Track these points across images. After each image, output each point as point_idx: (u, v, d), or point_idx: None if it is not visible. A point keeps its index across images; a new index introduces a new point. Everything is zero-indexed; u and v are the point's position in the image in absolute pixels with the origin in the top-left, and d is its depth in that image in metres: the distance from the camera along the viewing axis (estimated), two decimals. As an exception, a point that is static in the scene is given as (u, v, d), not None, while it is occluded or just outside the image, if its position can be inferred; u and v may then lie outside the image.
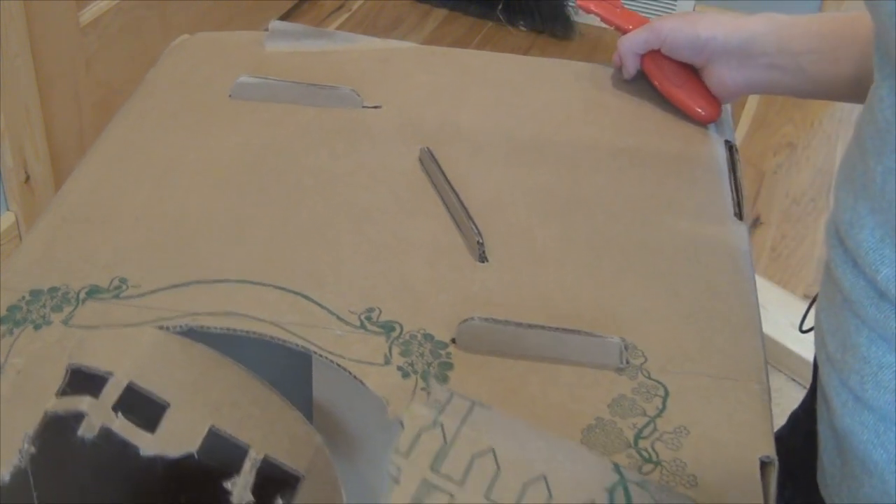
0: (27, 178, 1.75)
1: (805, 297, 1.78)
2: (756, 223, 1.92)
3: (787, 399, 1.66)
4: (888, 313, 0.56)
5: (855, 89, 0.79)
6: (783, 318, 1.72)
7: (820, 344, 0.65)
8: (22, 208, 1.75)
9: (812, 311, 0.77)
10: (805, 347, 1.65)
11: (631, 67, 0.92)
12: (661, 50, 0.89)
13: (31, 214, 1.77)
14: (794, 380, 1.70)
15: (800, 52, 0.82)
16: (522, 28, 2.23)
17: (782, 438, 0.92)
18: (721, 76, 0.87)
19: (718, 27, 0.86)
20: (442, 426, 0.58)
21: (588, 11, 0.96)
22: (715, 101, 0.89)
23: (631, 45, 0.91)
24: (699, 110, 0.89)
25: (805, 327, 0.86)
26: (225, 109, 0.89)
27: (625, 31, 0.93)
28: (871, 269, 0.57)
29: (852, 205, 0.58)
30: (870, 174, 0.56)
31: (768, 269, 1.85)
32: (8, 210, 1.75)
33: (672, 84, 0.90)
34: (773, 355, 1.71)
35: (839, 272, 0.60)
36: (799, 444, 0.82)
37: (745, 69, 0.86)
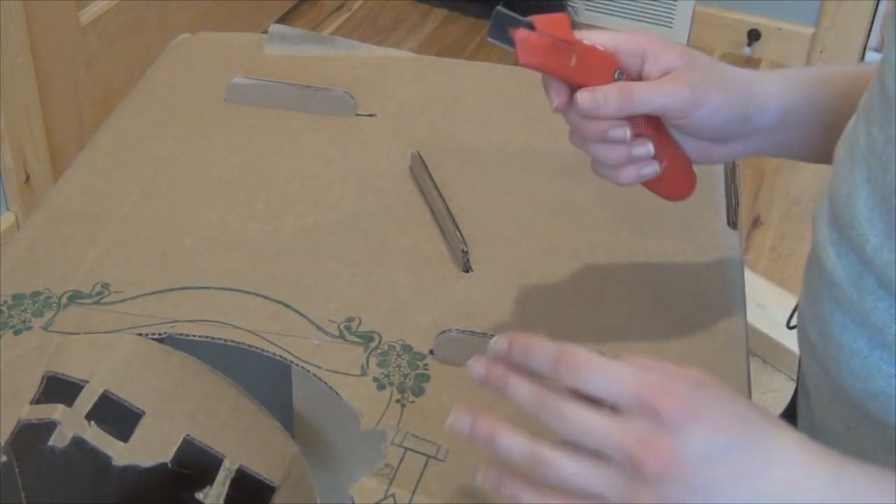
0: (27, 178, 1.75)
1: (805, 297, 1.77)
2: (756, 223, 1.92)
3: (787, 399, 1.65)
4: (865, 294, 0.56)
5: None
6: (783, 318, 1.71)
7: (803, 335, 0.65)
8: (22, 208, 1.76)
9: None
10: (805, 348, 1.64)
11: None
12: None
13: (31, 214, 1.77)
14: (793, 380, 1.69)
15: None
16: (523, 28, 2.23)
17: None
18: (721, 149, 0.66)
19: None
20: (394, 498, 0.58)
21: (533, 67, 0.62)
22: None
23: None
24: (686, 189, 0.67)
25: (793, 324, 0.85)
26: (219, 113, 0.89)
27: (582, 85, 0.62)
28: (861, 240, 0.56)
29: (849, 174, 0.58)
30: (872, 143, 0.56)
31: (768, 269, 1.84)
32: (8, 210, 1.75)
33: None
34: (773, 355, 1.71)
35: (824, 253, 0.60)
36: None
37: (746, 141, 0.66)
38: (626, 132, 0.61)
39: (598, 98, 0.60)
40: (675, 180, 0.65)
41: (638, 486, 0.45)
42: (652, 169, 0.63)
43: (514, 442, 0.48)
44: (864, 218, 0.56)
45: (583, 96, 0.60)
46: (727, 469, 0.45)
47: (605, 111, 0.60)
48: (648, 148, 0.62)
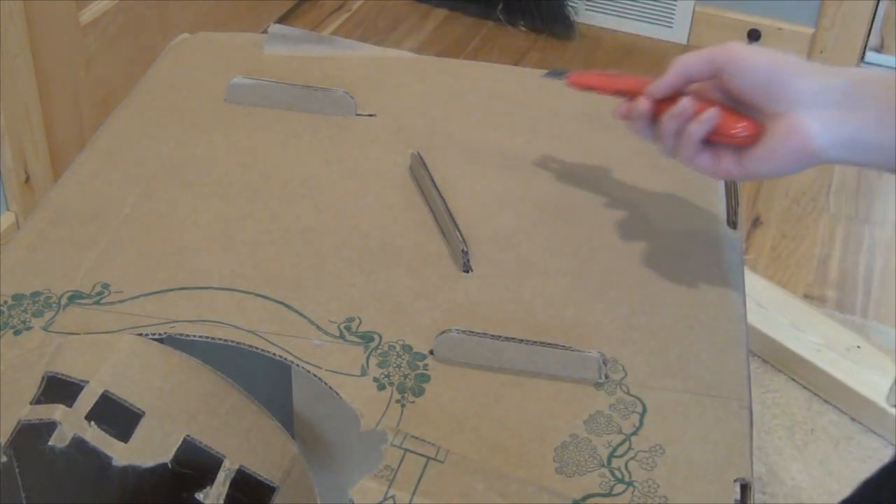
0: (27, 178, 1.75)
1: (805, 297, 1.77)
2: (756, 223, 1.92)
3: (788, 399, 1.65)
4: None
5: None
6: (783, 318, 1.71)
7: None
8: (22, 208, 1.75)
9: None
10: (805, 347, 1.64)
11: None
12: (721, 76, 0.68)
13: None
14: (794, 380, 1.69)
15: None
16: (522, 28, 2.22)
17: (872, 487, 0.88)
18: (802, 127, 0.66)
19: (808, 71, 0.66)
20: (394, 499, 0.58)
21: (583, 88, 0.77)
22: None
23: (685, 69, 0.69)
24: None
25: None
26: (219, 113, 0.89)
27: (626, 95, 0.73)
28: None
29: None
30: None
31: (768, 269, 1.84)
32: (8, 210, 1.75)
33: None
34: (773, 355, 1.70)
35: None
36: (889, 499, 0.80)
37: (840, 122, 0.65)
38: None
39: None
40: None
41: None
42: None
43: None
44: None
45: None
46: None
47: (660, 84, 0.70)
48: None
